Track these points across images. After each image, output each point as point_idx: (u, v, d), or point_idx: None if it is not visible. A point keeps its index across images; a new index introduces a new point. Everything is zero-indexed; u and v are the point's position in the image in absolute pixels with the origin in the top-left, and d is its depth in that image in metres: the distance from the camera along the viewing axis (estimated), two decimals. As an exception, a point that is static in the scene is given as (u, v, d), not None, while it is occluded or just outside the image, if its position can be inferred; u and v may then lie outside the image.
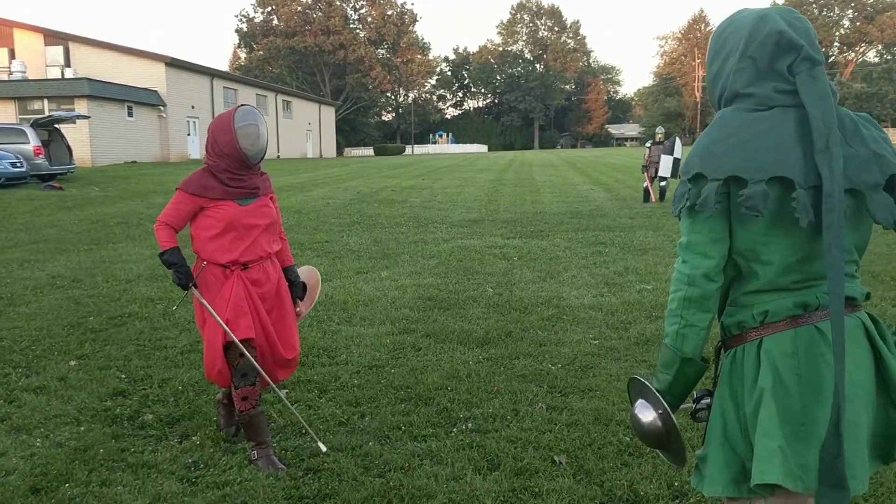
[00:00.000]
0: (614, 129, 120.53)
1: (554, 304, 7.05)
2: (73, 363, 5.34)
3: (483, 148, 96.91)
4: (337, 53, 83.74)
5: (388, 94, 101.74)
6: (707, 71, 2.10)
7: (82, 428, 4.20)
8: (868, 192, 1.84)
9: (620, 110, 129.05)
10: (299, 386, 4.84)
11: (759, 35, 1.91)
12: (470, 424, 4.15)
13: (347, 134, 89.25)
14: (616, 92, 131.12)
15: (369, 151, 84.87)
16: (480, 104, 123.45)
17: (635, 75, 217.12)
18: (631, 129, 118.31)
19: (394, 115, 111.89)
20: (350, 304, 7.10)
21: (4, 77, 38.75)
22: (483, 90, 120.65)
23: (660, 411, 2.04)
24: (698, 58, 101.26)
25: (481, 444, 3.88)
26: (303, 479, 3.55)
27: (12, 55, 41.25)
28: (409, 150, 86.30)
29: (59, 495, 3.40)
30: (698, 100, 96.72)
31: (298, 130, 64.22)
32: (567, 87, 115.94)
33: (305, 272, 4.23)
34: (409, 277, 8.47)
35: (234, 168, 3.60)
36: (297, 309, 3.98)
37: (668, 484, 3.40)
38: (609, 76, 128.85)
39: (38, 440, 4.05)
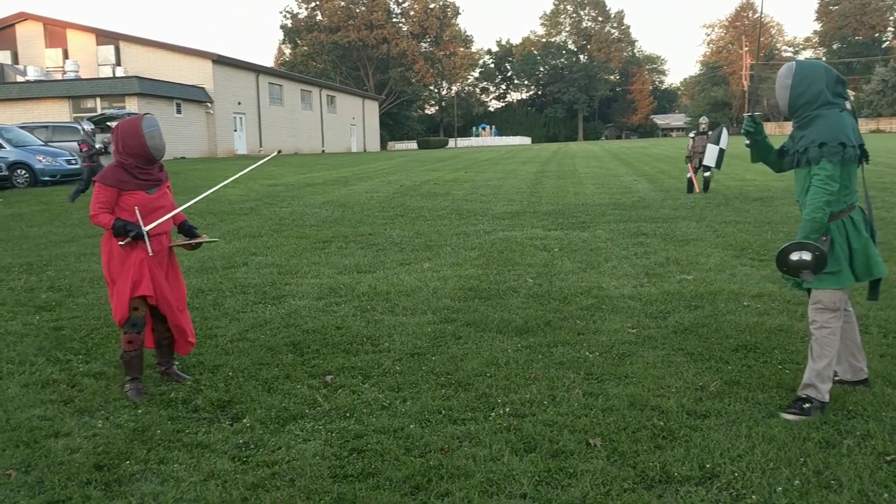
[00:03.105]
0: (660, 120, 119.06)
1: (593, 294, 7.13)
2: (129, 351, 5.59)
3: (526, 140, 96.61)
4: (380, 48, 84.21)
5: (431, 88, 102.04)
6: (793, 91, 4.08)
7: (140, 411, 4.44)
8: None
9: (666, 100, 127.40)
10: (344, 372, 5.03)
11: (832, 74, 4.07)
12: (508, 409, 4.28)
13: (391, 128, 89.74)
14: (661, 82, 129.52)
15: (413, 145, 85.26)
16: (524, 96, 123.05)
17: (681, 64, 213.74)
18: (677, 119, 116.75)
19: (437, 108, 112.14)
20: (393, 295, 7.27)
21: (59, 76, 39.87)
22: (526, 82, 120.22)
23: (818, 252, 3.95)
24: (746, 46, 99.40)
25: (518, 427, 4.01)
26: (347, 459, 3.72)
27: (66, 55, 42.46)
28: (452, 143, 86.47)
29: (120, 471, 3.63)
30: (746, 88, 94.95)
31: (343, 125, 64.80)
32: (611, 77, 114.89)
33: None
34: (450, 269, 8.62)
35: (142, 164, 4.62)
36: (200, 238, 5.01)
37: (700, 465, 3.49)
38: (654, 66, 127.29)
39: (100, 422, 4.29)
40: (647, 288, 7.37)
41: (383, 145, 78.52)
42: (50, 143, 23.72)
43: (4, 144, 21.91)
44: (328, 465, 3.66)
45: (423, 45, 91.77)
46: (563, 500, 3.23)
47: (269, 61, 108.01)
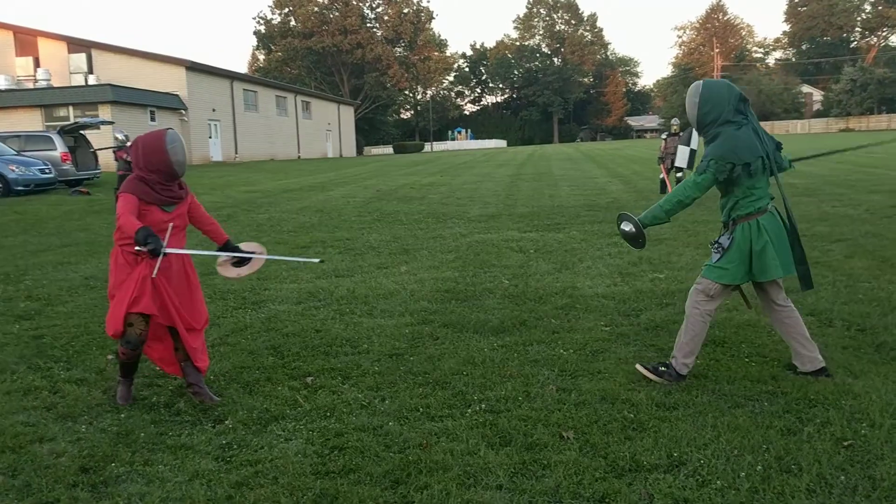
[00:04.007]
0: (634, 122, 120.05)
1: (568, 294, 7.28)
2: (109, 357, 5.65)
3: (502, 143, 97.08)
4: (354, 53, 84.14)
5: (407, 92, 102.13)
6: (700, 110, 4.43)
7: (122, 415, 4.51)
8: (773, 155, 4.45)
9: (640, 102, 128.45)
10: (324, 374, 5.13)
11: (735, 92, 4.40)
12: (484, 405, 4.41)
13: (367, 133, 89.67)
14: (635, 84, 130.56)
15: (389, 150, 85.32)
16: (499, 99, 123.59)
17: (654, 66, 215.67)
18: (651, 121, 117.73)
19: (412, 112, 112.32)
20: (371, 298, 7.38)
21: (30, 85, 39.52)
22: (501, 85, 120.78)
23: (636, 230, 4.61)
24: (717, 47, 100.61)
25: (494, 422, 4.14)
26: (329, 456, 3.83)
27: (37, 63, 42.09)
28: (428, 147, 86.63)
29: (106, 473, 3.71)
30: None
31: (318, 131, 64.73)
32: (585, 80, 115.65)
33: (253, 246, 5.13)
34: (427, 272, 8.74)
35: (163, 180, 4.49)
36: (238, 271, 4.98)
37: (668, 454, 3.64)
38: (627, 68, 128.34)
39: (83, 426, 4.36)
40: (620, 287, 7.54)
41: (359, 150, 78.48)
42: (23, 153, 23.55)
43: (-25, 154, 21.73)
44: (310, 462, 3.76)
45: (398, 49, 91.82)
46: (537, 490, 3.36)
47: (243, 67, 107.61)
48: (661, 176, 17.51)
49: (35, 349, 5.95)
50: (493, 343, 5.69)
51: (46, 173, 22.46)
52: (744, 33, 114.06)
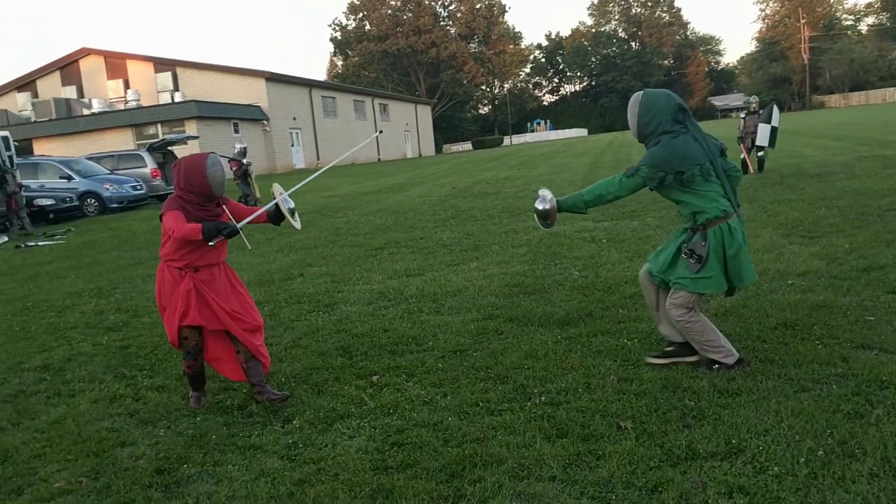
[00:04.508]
0: (718, 101, 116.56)
1: (638, 283, 7.17)
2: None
3: (583, 132, 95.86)
4: (429, 52, 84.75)
5: (484, 87, 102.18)
6: (639, 120, 4.50)
7: (198, 419, 4.73)
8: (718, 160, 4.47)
9: (723, 81, 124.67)
10: (390, 372, 5.24)
11: (673, 102, 4.47)
12: (543, 398, 4.43)
13: (445, 131, 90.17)
14: (717, 62, 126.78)
15: (468, 146, 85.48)
16: (577, 88, 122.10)
17: (737, 43, 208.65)
18: (736, 100, 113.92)
19: (490, 107, 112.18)
20: (440, 296, 7.47)
21: (121, 106, 41.40)
22: (579, 74, 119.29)
23: (551, 207, 4.66)
24: (803, 18, 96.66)
25: (552, 415, 4.15)
26: (388, 452, 3.93)
27: (127, 85, 44.04)
28: (507, 140, 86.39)
29: (179, 474, 3.91)
30: (806, 62, 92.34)
31: (397, 132, 65.46)
32: (665, 62, 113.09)
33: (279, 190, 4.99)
34: (497, 266, 8.77)
35: (201, 201, 4.70)
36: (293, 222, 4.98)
37: (727, 441, 3.58)
38: (709, 47, 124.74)
39: (162, 430, 4.59)
40: (691, 273, 7.39)
41: (438, 149, 79.00)
42: (115, 171, 24.72)
43: (74, 176, 22.95)
44: (370, 458, 3.87)
45: (472, 45, 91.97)
46: (589, 481, 3.37)
47: (321, 74, 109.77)
48: (742, 156, 16.99)
49: (121, 359, 6.29)
50: (557, 335, 5.68)
51: (138, 190, 23.52)
52: (831, 0, 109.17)
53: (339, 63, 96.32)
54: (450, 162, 43.65)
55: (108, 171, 24.51)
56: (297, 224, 5.04)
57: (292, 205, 4.94)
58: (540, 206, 4.68)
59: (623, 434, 3.81)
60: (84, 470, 4.08)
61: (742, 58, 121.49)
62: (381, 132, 6.47)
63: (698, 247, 4.37)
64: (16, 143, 33.84)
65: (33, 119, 40.56)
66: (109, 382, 5.64)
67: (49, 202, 21.58)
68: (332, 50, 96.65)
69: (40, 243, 16.83)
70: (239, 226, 4.66)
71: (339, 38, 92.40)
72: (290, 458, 4.00)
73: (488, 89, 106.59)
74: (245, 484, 3.71)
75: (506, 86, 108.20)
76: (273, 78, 44.62)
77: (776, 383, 4.26)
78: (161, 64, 44.83)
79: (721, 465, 3.38)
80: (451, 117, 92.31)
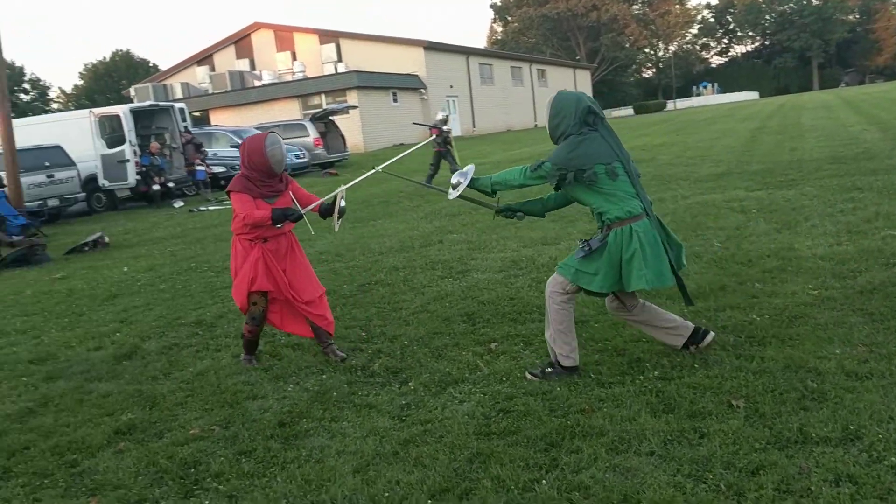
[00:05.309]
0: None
1: (780, 256, 6.82)
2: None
3: (753, 95, 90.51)
4: (589, 15, 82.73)
5: (647, 50, 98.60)
6: (550, 122, 4.48)
7: (324, 376, 5.00)
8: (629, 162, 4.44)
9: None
10: (508, 340, 5.31)
11: (582, 105, 4.38)
12: (656, 372, 4.34)
13: (605, 95, 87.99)
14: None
15: (629, 111, 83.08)
16: (748, 48, 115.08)
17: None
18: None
19: (654, 70, 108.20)
20: (571, 265, 7.41)
21: (289, 78, 43.42)
22: (751, 33, 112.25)
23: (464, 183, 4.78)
24: None
25: (662, 389, 4.07)
26: (494, 418, 4.01)
27: (294, 57, 46.06)
28: (670, 105, 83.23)
29: (297, 428, 4.18)
30: None
31: (554, 97, 64.53)
32: (849, 17, 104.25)
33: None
34: (635, 236, 8.57)
35: (263, 178, 5.11)
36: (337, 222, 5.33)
37: (844, 427, 3.38)
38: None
39: (290, 386, 4.91)
40: (843, 246, 6.92)
41: (598, 114, 77.15)
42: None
43: (243, 145, 24.40)
44: (475, 423, 3.96)
45: (635, 7, 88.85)
46: (687, 458, 3.29)
47: (481, 42, 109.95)
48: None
49: (265, 318, 6.71)
50: (683, 309, 5.50)
51: (301, 158, 24.70)
52: None
53: (499, 29, 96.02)
54: (607, 128, 42.59)
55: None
56: (337, 226, 5.40)
57: (343, 205, 5.27)
58: (453, 181, 4.82)
59: (732, 413, 3.68)
60: (217, 419, 4.44)
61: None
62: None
63: (594, 241, 4.35)
64: (196, 114, 36.43)
65: (210, 91, 43.33)
66: (251, 339, 6.05)
67: (221, 170, 23.08)
68: (492, 16, 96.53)
69: (211, 208, 18.13)
70: (303, 212, 5.14)
71: (499, 3, 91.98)
72: (400, 419, 4.17)
73: (652, 52, 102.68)
74: (355, 440, 3.91)
75: (671, 48, 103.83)
76: (431, 46, 45.19)
77: (913, 368, 3.96)
78: (325, 36, 46.47)
79: (833, 451, 3.20)
80: (611, 82, 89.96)
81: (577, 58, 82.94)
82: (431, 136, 18.60)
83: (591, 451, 3.45)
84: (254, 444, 4.02)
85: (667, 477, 3.17)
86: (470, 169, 4.85)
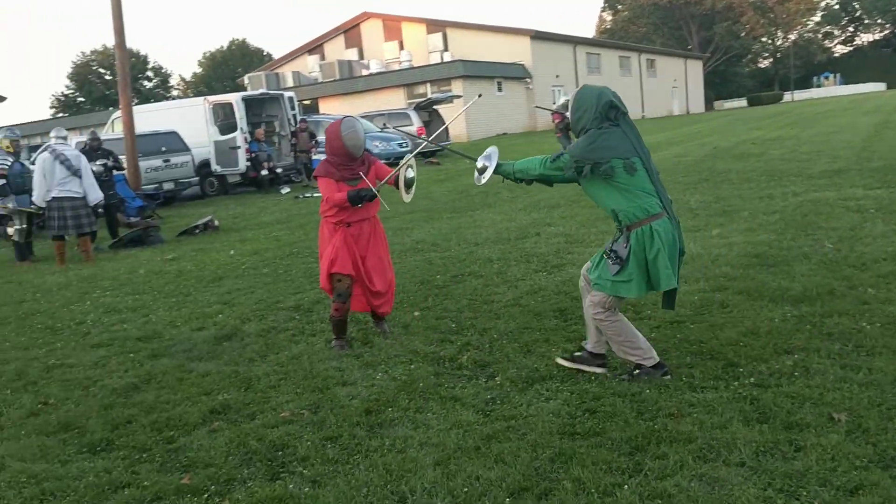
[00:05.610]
0: None
1: (897, 260, 6.43)
2: (416, 314, 6.31)
3: (880, 87, 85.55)
4: (703, 3, 79.96)
5: (763, 39, 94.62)
6: (573, 116, 4.44)
7: (412, 366, 5.04)
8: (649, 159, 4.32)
9: None
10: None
11: (604, 100, 4.32)
12: (752, 379, 4.17)
13: (717, 86, 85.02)
14: None
15: (742, 103, 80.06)
16: (876, 37, 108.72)
17: None
18: None
19: (771, 60, 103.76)
20: (670, 263, 7.20)
21: (396, 67, 43.94)
22: (880, 20, 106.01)
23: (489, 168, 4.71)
24: None
25: (758, 397, 3.90)
26: (579, 418, 3.94)
27: (401, 46, 46.56)
28: (787, 96, 79.72)
29: (383, 416, 4.23)
30: None
31: (663, 88, 62.98)
32: None
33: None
34: (741, 235, 8.26)
35: (344, 161, 5.37)
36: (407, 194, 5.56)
37: (956, 449, 3.15)
38: None
39: (379, 374, 4.97)
40: (969, 252, 6.46)
41: (708, 106, 74.77)
42: (385, 129, 26.38)
43: (349, 134, 24.87)
44: (560, 422, 3.90)
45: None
46: (780, 472, 3.14)
47: (590, 31, 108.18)
48: None
49: (359, 305, 6.82)
50: (787, 313, 5.27)
51: (403, 147, 24.95)
52: None
53: (608, 18, 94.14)
54: (717, 120, 41.22)
55: (378, 129, 26.25)
56: (406, 197, 5.52)
57: (412, 175, 5.49)
58: (479, 164, 4.76)
59: (833, 426, 3.49)
60: (307, 403, 4.54)
61: None
62: (479, 96, 6.65)
63: (620, 248, 4.28)
64: (306, 102, 37.38)
65: (320, 80, 44.33)
66: (344, 326, 6.16)
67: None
68: (602, 5, 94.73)
69: (315, 195, 18.56)
70: (375, 189, 5.34)
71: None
72: (485, 413, 4.16)
73: (769, 41, 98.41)
74: (438, 432, 3.93)
75: (790, 37, 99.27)
76: (538, 36, 44.75)
77: None
78: (433, 25, 46.73)
79: (942, 474, 2.99)
80: (724, 72, 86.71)
81: (690, 47, 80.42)
82: (554, 121, 18.43)
83: (677, 458, 3.34)
84: (340, 430, 4.09)
85: (756, 490, 3.03)
86: (493, 151, 4.81)
